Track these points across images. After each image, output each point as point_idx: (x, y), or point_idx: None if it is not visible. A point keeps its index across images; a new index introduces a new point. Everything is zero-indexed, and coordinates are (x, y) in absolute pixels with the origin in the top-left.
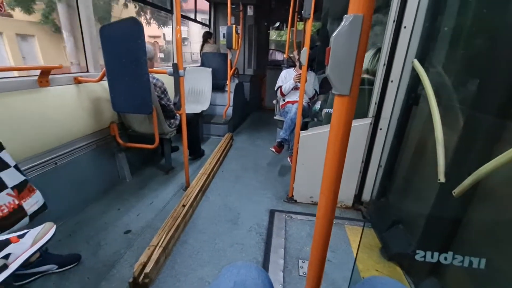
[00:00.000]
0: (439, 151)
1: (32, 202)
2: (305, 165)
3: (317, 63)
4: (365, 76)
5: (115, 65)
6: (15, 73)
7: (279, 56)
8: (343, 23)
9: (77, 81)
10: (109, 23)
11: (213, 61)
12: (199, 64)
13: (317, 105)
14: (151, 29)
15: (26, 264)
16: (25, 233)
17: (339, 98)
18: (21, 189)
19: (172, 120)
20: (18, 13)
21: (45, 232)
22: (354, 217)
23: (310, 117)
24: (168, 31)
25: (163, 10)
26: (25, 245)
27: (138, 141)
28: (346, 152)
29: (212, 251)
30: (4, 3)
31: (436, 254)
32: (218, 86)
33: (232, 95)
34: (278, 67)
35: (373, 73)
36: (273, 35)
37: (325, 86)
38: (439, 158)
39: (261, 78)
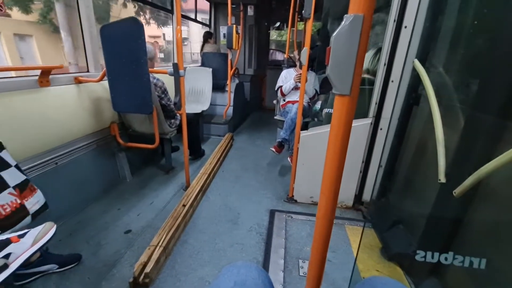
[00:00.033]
0: (440, 151)
1: (34, 201)
2: (306, 165)
3: (317, 63)
4: (366, 76)
5: (115, 65)
6: (13, 73)
7: (279, 56)
8: (343, 23)
9: (78, 81)
10: (110, 23)
11: (213, 61)
12: (200, 64)
13: (318, 105)
14: (150, 29)
15: (26, 264)
16: (25, 233)
17: (340, 98)
18: (22, 188)
19: (172, 120)
20: (15, 13)
21: (45, 231)
22: (355, 217)
23: (311, 117)
24: (168, 31)
25: (163, 10)
26: (26, 244)
27: (138, 141)
28: (347, 152)
29: (212, 251)
30: (3, 3)
31: (436, 254)
32: (218, 86)
33: (232, 95)
34: (278, 67)
35: (374, 73)
36: (274, 35)
37: (325, 86)
38: (440, 158)
39: (262, 78)
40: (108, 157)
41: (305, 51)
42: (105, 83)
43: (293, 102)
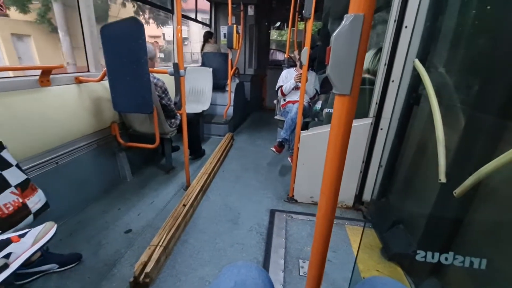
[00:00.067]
0: (440, 151)
1: (35, 201)
2: (306, 165)
3: (318, 62)
4: (366, 75)
5: (116, 65)
6: (10, 73)
7: (279, 56)
8: (343, 22)
9: (78, 81)
10: (110, 23)
11: (213, 61)
12: (200, 64)
13: (318, 105)
14: (150, 29)
15: (27, 264)
16: (26, 233)
17: (340, 97)
18: (24, 187)
19: (172, 120)
20: (13, 12)
21: (46, 231)
22: (355, 217)
23: (311, 117)
24: (167, 30)
25: (164, 10)
26: (26, 244)
27: (138, 140)
28: (347, 152)
29: (212, 251)
30: (4, 3)
31: (436, 254)
32: (218, 86)
33: (232, 95)
34: (278, 67)
35: (374, 73)
36: (274, 34)
37: (326, 86)
38: (440, 158)
39: (262, 78)
40: (108, 157)
41: (306, 51)
42: (106, 83)
43: (294, 102)
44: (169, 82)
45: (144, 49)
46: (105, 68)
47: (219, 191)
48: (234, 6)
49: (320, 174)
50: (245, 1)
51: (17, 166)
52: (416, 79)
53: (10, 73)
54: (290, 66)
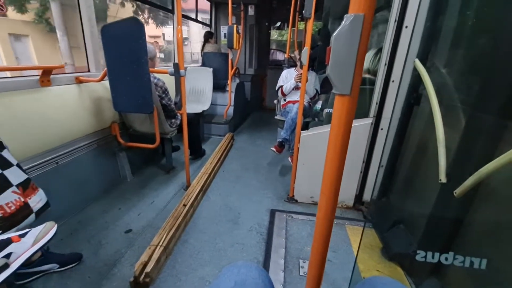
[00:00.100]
0: (440, 151)
1: (37, 200)
2: (306, 165)
3: (318, 62)
4: (366, 75)
5: (116, 65)
6: (8, 73)
7: (280, 56)
8: (343, 22)
9: (79, 81)
10: (111, 23)
11: (214, 61)
12: (200, 64)
13: (318, 105)
14: (150, 29)
15: (27, 263)
16: (26, 232)
17: (340, 97)
18: (25, 187)
19: (173, 120)
20: (11, 12)
21: (46, 231)
22: (355, 217)
23: (311, 117)
24: (167, 30)
25: (164, 10)
26: (27, 244)
27: (139, 140)
28: (347, 152)
29: (212, 251)
30: (4, 3)
31: (436, 254)
32: (219, 86)
33: (233, 95)
34: (279, 66)
35: (374, 73)
36: (274, 34)
37: (326, 86)
38: (440, 158)
39: (262, 78)
40: (108, 156)
41: (306, 50)
42: (106, 83)
43: (294, 102)
44: (169, 82)
45: (145, 49)
46: (106, 68)
47: (219, 191)
48: (235, 6)
49: (321, 174)
50: (246, 1)
51: (18, 165)
52: (416, 79)
53: (8, 73)
54: (290, 66)
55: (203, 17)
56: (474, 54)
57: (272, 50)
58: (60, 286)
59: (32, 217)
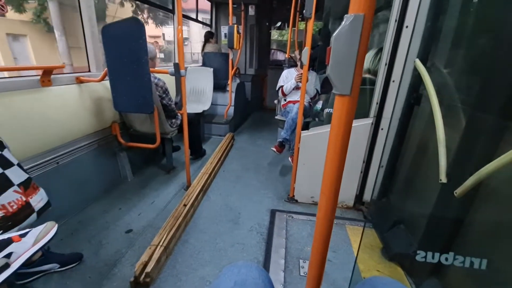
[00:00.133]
0: (441, 151)
1: (38, 199)
2: (306, 165)
3: (318, 62)
4: (367, 75)
5: (116, 65)
6: (5, 73)
7: (280, 56)
8: (343, 22)
9: (79, 81)
10: (111, 23)
11: (214, 61)
12: (200, 64)
13: (319, 105)
14: (150, 29)
15: (28, 263)
16: (27, 232)
17: (340, 98)
18: (26, 186)
19: (173, 120)
20: (8, 12)
21: (47, 231)
22: (355, 217)
23: (312, 117)
24: (167, 30)
25: (164, 10)
26: (27, 244)
27: (139, 140)
28: (347, 152)
29: (213, 251)
30: (5, 4)
31: (437, 254)
32: (219, 86)
33: (233, 95)
34: (279, 66)
35: (375, 73)
36: (275, 34)
37: (326, 86)
38: (441, 158)
39: (263, 78)
40: (109, 156)
41: (306, 50)
42: (107, 83)
43: (294, 102)
44: (169, 82)
45: (145, 49)
46: (106, 68)
47: (219, 191)
48: (235, 6)
49: (321, 174)
50: (246, 1)
51: (19, 165)
52: (416, 79)
53: (5, 73)
54: (290, 66)
55: (204, 17)
56: (475, 54)
57: (272, 50)
58: (60, 286)
59: (33, 216)
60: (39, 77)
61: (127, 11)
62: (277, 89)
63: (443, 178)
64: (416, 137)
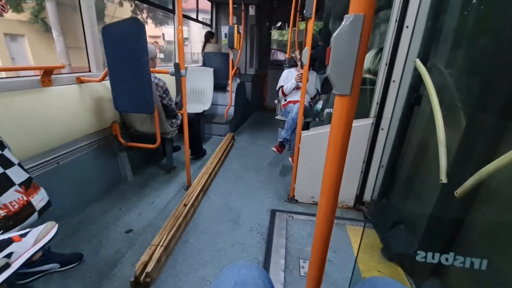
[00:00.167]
0: (441, 151)
1: (39, 199)
2: (307, 165)
3: (319, 62)
4: (367, 76)
5: (117, 65)
6: (3, 73)
7: (280, 56)
8: (343, 23)
9: (80, 81)
10: (111, 23)
11: (214, 61)
12: (201, 64)
13: (319, 105)
14: (149, 29)
15: (28, 263)
16: (27, 232)
17: (340, 98)
18: (27, 185)
19: (173, 120)
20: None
21: (47, 231)
22: (356, 217)
23: (312, 117)
24: (167, 30)
25: (165, 10)
26: (28, 244)
27: (139, 140)
28: (347, 152)
29: (213, 251)
30: (6, 4)
31: (437, 255)
32: (219, 86)
33: (233, 95)
34: (279, 66)
35: (375, 73)
36: (275, 34)
37: (327, 86)
38: (441, 158)
39: (263, 78)
40: (109, 156)
41: (307, 50)
42: (107, 83)
43: (294, 102)
44: (170, 82)
45: (145, 49)
46: (106, 68)
47: (220, 191)
48: (235, 6)
49: (321, 174)
50: (246, 1)
51: (19, 164)
52: (417, 79)
53: (3, 74)
54: (291, 66)
55: (204, 17)
56: (475, 54)
57: (273, 50)
58: (61, 286)
59: (35, 216)
60: (39, 77)
61: (125, 11)
62: (277, 89)
63: (444, 178)
64: (416, 137)
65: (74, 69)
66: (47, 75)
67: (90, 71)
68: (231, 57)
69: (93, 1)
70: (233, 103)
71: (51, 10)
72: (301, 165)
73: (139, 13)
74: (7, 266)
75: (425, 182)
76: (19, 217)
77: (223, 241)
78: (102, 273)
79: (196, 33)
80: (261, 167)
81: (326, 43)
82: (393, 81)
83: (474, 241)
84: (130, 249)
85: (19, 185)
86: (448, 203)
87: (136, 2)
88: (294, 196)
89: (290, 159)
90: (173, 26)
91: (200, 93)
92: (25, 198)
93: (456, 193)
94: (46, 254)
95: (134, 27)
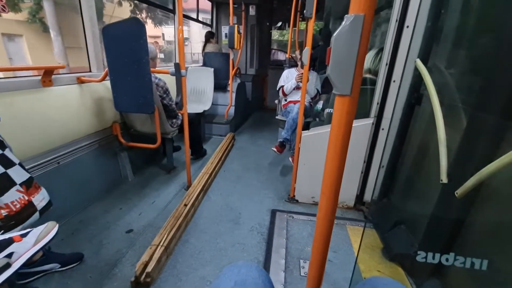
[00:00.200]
0: (442, 151)
1: (40, 198)
2: (307, 165)
3: (319, 62)
4: (367, 76)
5: (117, 65)
6: (0, 74)
7: (281, 56)
8: (344, 23)
9: (80, 81)
10: (112, 23)
11: (215, 61)
12: (201, 64)
13: (319, 105)
14: (149, 29)
15: (29, 263)
16: (28, 232)
17: (340, 98)
18: (28, 185)
19: (174, 120)
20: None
21: (48, 231)
22: (356, 217)
23: (312, 117)
24: (167, 30)
25: (165, 10)
26: (28, 244)
27: (140, 140)
28: (347, 152)
29: (213, 251)
30: (6, 4)
31: (437, 255)
32: (220, 86)
33: (234, 95)
34: (280, 66)
35: (375, 73)
36: (275, 34)
37: (327, 86)
38: (442, 158)
39: (263, 78)
40: (110, 156)
41: (307, 50)
42: (107, 83)
43: (295, 102)
44: (170, 82)
45: (146, 49)
46: (107, 68)
47: (220, 191)
48: (236, 6)
49: (321, 174)
50: (247, 1)
51: (20, 164)
52: (417, 79)
53: (0, 74)
54: (291, 66)
55: (204, 17)
56: (475, 54)
57: (273, 50)
58: (61, 285)
59: (36, 215)
60: (40, 77)
61: (125, 10)
62: (277, 89)
63: (444, 179)
64: (417, 137)
65: (72, 69)
66: (48, 75)
67: (90, 71)
68: (231, 57)
69: (93, 1)
70: (233, 103)
71: (49, 10)
72: (302, 165)
73: (138, 13)
74: (7, 266)
75: (426, 182)
76: (21, 216)
77: (224, 241)
78: (102, 273)
79: (196, 33)
80: (261, 167)
81: (327, 43)
82: (394, 81)
83: (474, 242)
84: (130, 249)
85: (20, 184)
86: (448, 203)
87: (136, 1)
88: (294, 196)
89: (290, 159)
90: (173, 26)
91: (200, 93)
92: (26, 198)
93: (457, 193)
94: (46, 254)
95: (135, 27)
